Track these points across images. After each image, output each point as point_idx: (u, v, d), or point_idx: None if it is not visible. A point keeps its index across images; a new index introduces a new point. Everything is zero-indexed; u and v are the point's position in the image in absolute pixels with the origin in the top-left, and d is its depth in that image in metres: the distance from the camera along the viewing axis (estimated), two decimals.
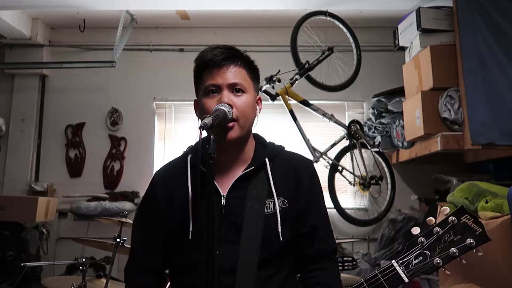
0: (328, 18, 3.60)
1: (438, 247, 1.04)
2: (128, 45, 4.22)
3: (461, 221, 1.04)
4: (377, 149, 3.87)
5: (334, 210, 3.58)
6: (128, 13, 4.03)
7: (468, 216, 1.04)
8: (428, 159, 3.52)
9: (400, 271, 1.05)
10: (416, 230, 1.08)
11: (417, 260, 1.05)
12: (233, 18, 4.25)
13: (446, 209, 1.05)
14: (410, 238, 1.04)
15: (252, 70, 1.33)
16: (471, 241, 1.02)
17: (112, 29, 4.07)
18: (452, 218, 1.04)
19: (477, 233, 1.03)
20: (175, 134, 4.39)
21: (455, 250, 1.02)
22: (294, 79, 3.39)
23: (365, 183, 3.66)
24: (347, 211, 3.75)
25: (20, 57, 4.34)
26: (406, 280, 1.05)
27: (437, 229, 1.05)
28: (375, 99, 3.96)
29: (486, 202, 1.98)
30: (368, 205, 4.15)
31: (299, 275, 1.37)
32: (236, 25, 4.41)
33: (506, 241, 1.78)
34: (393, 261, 1.07)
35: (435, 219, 2.68)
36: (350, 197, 4.07)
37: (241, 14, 4.14)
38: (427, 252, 1.05)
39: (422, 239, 1.06)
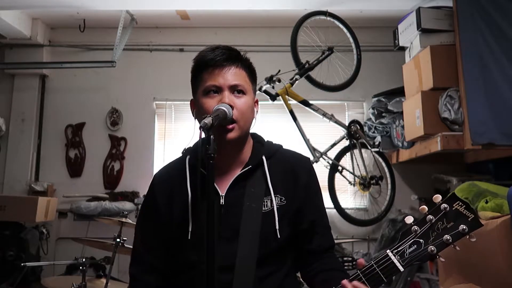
0: (328, 18, 3.60)
1: (431, 235, 1.04)
2: (128, 45, 4.22)
3: (453, 208, 1.04)
4: (377, 149, 3.87)
5: (334, 210, 3.58)
6: (128, 13, 4.03)
7: (460, 203, 1.04)
8: (428, 159, 3.52)
9: (395, 261, 1.05)
10: (409, 219, 1.08)
11: (411, 249, 1.05)
12: (233, 18, 4.25)
13: (438, 197, 1.06)
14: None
15: (251, 72, 1.33)
16: (464, 227, 1.02)
17: (112, 29, 4.07)
18: (444, 205, 1.04)
19: (469, 219, 1.03)
20: (175, 134, 4.39)
21: (448, 237, 1.02)
22: (294, 79, 3.39)
23: (365, 183, 3.66)
24: (347, 211, 3.75)
25: (20, 57, 4.34)
26: (401, 269, 1.05)
27: (430, 217, 1.05)
28: (375, 99, 3.96)
29: (486, 202, 1.98)
30: (368, 205, 4.15)
31: (300, 273, 1.37)
32: (236, 25, 4.41)
33: (506, 241, 1.78)
34: (387, 250, 1.08)
35: None
36: (350, 197, 4.07)
37: (241, 14, 4.14)
38: (421, 240, 1.05)
39: (415, 227, 1.06)
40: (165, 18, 4.29)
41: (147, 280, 1.33)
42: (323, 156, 3.54)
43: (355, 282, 1.08)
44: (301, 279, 1.44)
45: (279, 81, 3.29)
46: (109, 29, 4.21)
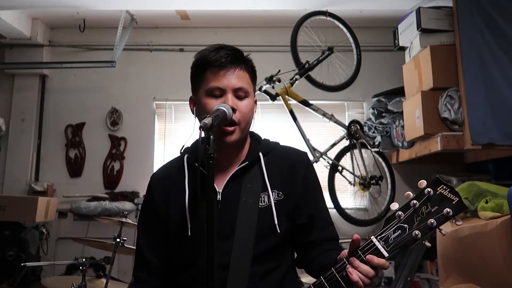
0: (328, 18, 3.60)
1: (416, 220, 1.02)
2: (128, 45, 4.22)
3: (438, 192, 1.02)
4: (377, 149, 3.87)
5: (334, 210, 3.58)
6: (128, 13, 4.03)
7: (444, 187, 1.03)
8: (428, 159, 3.52)
9: (380, 246, 1.04)
10: (394, 206, 1.06)
11: (395, 234, 1.03)
12: (233, 18, 4.25)
13: (423, 182, 1.04)
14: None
15: (253, 74, 1.34)
16: (448, 210, 1.00)
17: (112, 29, 4.07)
18: (428, 189, 1.03)
19: (453, 203, 1.01)
20: (175, 134, 4.39)
21: (433, 221, 1.01)
22: (294, 79, 3.39)
23: (365, 183, 3.66)
24: (347, 211, 3.75)
25: (20, 57, 4.34)
26: (386, 254, 1.04)
27: (414, 202, 1.04)
28: (375, 99, 3.96)
29: (486, 202, 1.98)
30: (368, 205, 4.15)
31: (302, 266, 1.35)
32: (236, 25, 4.41)
33: (506, 241, 1.78)
34: (372, 237, 1.06)
35: None
36: (350, 197, 4.07)
37: (241, 14, 4.14)
38: (405, 225, 1.03)
39: (399, 213, 1.04)
40: (165, 18, 4.29)
41: (150, 281, 1.33)
42: (323, 156, 3.54)
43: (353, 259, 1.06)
44: (301, 279, 1.43)
45: (279, 81, 3.29)
46: (109, 29, 4.21)
